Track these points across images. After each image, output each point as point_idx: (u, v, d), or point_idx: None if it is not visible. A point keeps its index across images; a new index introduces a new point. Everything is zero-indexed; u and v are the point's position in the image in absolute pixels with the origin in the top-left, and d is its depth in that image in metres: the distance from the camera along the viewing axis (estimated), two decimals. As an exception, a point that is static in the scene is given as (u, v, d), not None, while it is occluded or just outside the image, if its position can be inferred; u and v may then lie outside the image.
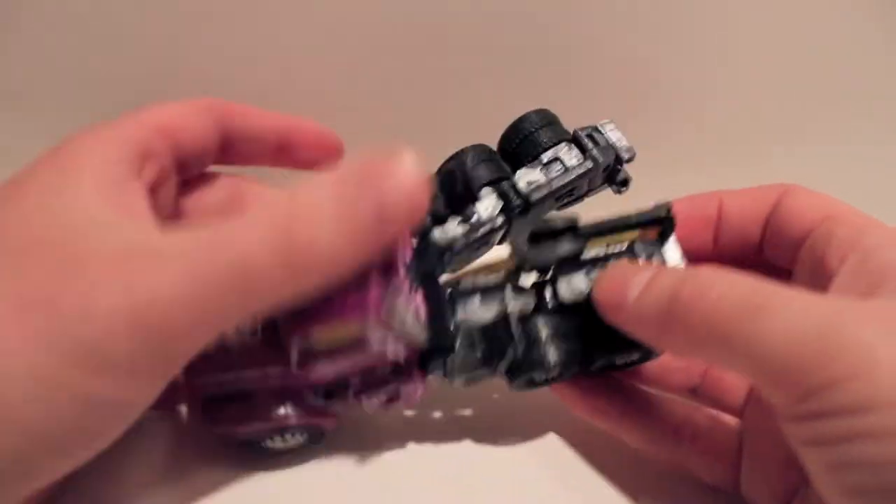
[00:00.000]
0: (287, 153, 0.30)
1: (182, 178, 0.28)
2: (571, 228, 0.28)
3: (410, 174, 0.22)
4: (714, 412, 0.30)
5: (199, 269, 0.21)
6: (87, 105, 0.36)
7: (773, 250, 0.30)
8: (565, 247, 0.28)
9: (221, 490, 0.29)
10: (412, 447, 0.31)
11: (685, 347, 0.25)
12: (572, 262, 0.28)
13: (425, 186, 0.22)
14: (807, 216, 0.28)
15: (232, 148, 0.29)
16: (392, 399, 0.28)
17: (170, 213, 0.28)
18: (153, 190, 0.26)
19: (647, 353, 0.29)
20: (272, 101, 0.31)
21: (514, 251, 0.28)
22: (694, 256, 0.30)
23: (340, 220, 0.21)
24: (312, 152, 0.30)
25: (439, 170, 0.30)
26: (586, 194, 0.32)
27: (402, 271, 0.25)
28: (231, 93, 0.33)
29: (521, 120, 0.31)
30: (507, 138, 0.31)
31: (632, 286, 0.25)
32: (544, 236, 0.28)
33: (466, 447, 0.31)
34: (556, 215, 0.28)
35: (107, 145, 0.25)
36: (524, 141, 0.31)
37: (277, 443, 0.29)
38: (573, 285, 0.28)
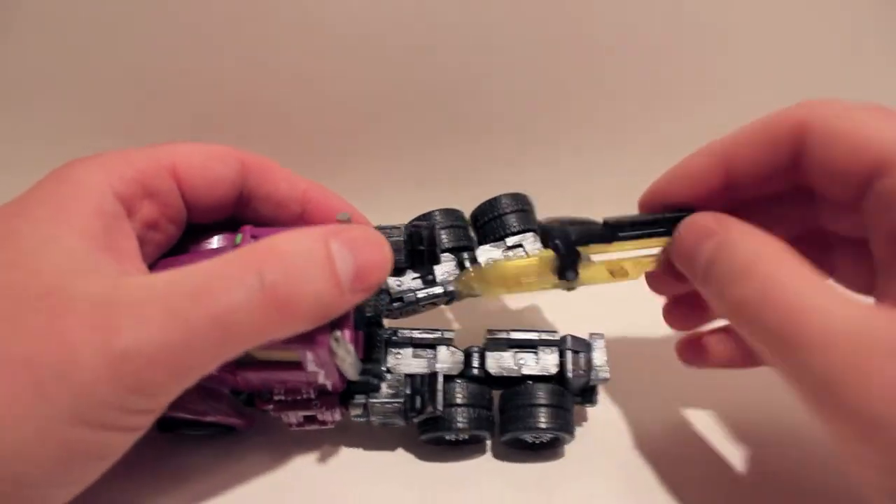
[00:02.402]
0: (302, 220, 0.31)
1: (194, 220, 0.29)
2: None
3: (385, 249, 0.26)
4: None
5: (179, 320, 0.22)
6: (87, 104, 0.37)
7: (819, 188, 0.27)
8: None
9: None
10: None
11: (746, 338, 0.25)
12: (503, 342, 0.31)
13: (391, 261, 0.26)
14: (851, 171, 0.25)
15: (250, 204, 0.30)
16: (309, 420, 0.30)
17: (169, 249, 0.29)
18: (152, 226, 0.27)
19: (561, 436, 0.31)
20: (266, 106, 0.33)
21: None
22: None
23: (327, 280, 0.24)
24: (326, 222, 0.30)
25: (409, 224, 0.32)
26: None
27: (351, 317, 0.27)
28: (228, 94, 0.35)
29: (497, 199, 0.33)
30: (480, 212, 0.33)
31: (698, 260, 0.26)
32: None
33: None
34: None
35: (105, 180, 0.26)
36: (495, 219, 0.33)
37: (189, 430, 0.31)
38: (502, 362, 0.30)
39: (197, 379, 0.24)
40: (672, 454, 0.32)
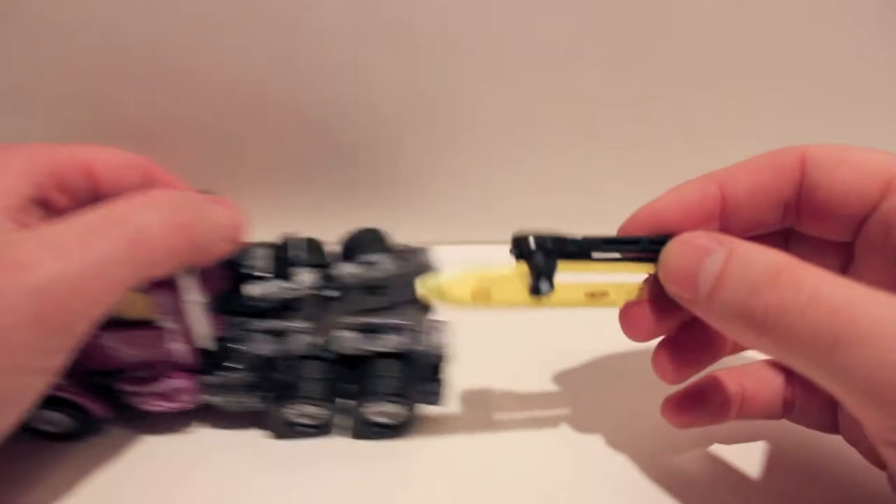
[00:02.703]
0: None
1: None
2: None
3: (241, 212, 0.30)
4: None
5: (94, 246, 0.24)
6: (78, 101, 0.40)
7: (811, 225, 0.28)
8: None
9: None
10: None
11: (764, 352, 0.25)
12: (353, 326, 0.33)
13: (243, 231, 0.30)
14: (857, 193, 0.26)
15: None
16: (163, 397, 0.31)
17: None
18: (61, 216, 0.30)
19: (409, 413, 0.32)
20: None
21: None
22: None
23: (211, 221, 0.28)
24: None
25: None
26: (395, 306, 0.38)
27: (204, 282, 0.30)
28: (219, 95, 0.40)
29: (357, 231, 0.39)
30: (344, 241, 0.39)
31: (700, 280, 0.25)
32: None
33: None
34: None
35: (22, 167, 0.28)
36: (355, 247, 0.38)
37: (43, 420, 0.31)
38: (351, 342, 0.33)
39: (114, 299, 0.25)
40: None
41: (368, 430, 0.33)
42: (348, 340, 0.33)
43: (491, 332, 0.38)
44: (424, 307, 0.35)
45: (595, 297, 0.29)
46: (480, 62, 0.40)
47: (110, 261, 0.24)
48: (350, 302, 0.35)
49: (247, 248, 0.35)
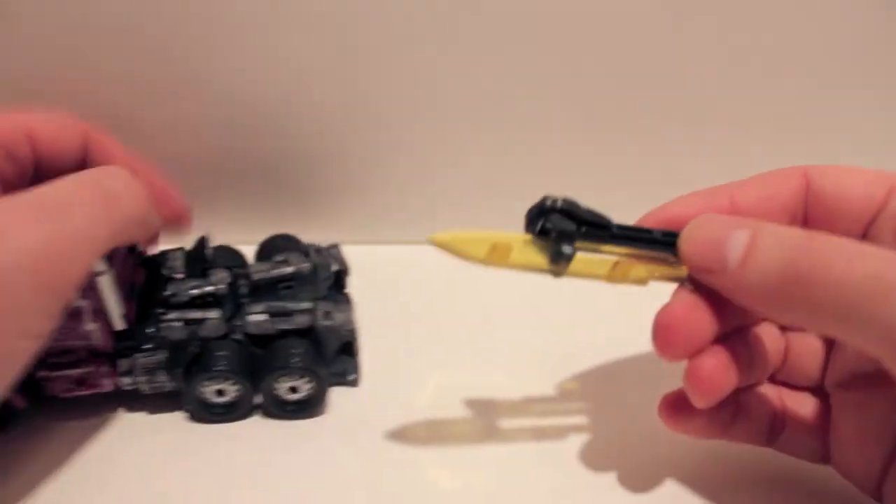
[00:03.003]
0: None
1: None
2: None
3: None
4: (797, 392, 0.30)
5: (77, 204, 0.26)
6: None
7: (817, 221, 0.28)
8: None
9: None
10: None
11: (798, 321, 0.24)
12: (262, 311, 0.35)
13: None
14: (865, 194, 0.27)
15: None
16: (80, 383, 0.33)
17: None
18: (8, 186, 0.31)
19: (318, 385, 0.34)
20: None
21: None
22: None
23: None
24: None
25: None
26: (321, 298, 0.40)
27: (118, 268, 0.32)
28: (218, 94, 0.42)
29: (272, 237, 0.42)
30: (259, 246, 0.42)
31: (730, 248, 0.24)
32: None
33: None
34: None
35: None
36: (269, 250, 0.41)
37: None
38: (260, 324, 0.35)
39: (96, 258, 0.27)
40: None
41: (278, 408, 0.34)
42: (255, 321, 0.35)
43: (489, 334, 0.40)
44: (339, 298, 0.38)
45: (619, 267, 0.28)
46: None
47: (91, 222, 0.26)
48: (263, 297, 0.38)
49: (164, 253, 0.37)
